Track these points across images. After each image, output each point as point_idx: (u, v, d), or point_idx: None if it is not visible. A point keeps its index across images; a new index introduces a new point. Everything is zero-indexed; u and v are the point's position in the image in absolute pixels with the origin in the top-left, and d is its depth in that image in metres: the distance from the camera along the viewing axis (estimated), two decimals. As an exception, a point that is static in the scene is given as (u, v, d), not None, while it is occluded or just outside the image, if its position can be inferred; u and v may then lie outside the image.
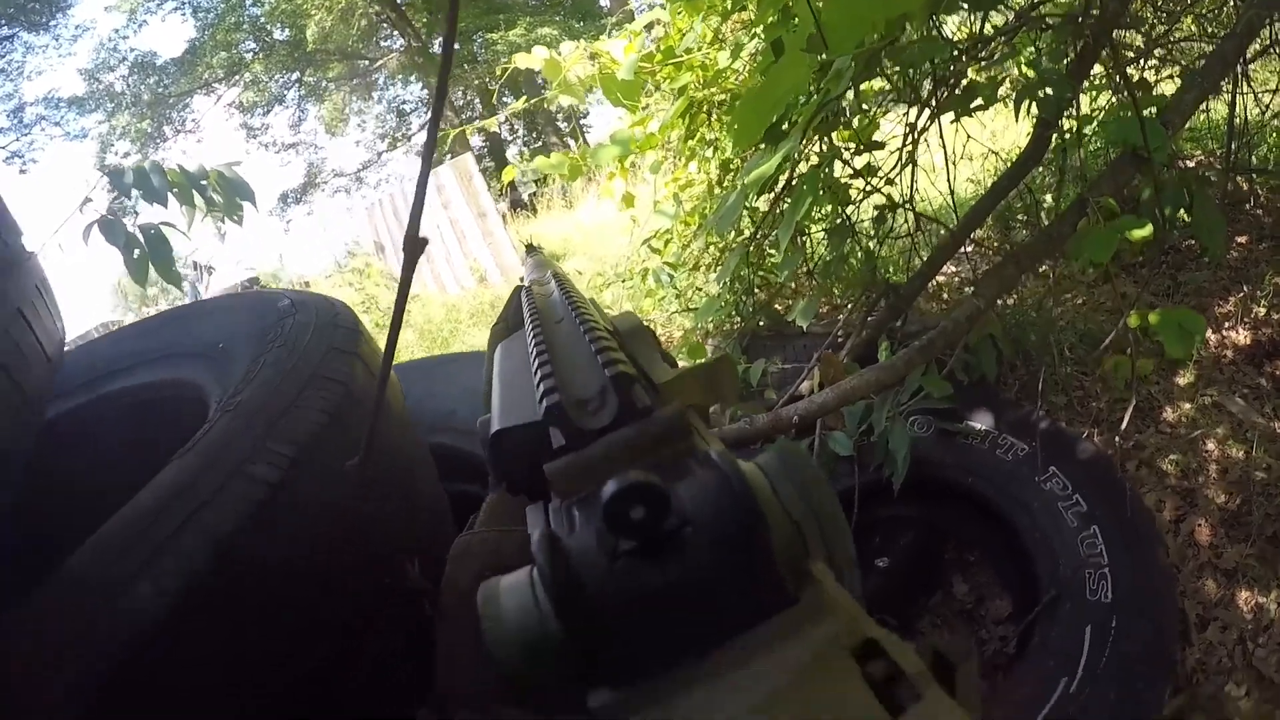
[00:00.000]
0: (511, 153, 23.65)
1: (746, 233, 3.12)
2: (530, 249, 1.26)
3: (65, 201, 2.11)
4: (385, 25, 21.76)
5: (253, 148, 23.43)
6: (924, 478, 2.29)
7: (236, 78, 21.74)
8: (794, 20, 1.79)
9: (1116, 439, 2.70)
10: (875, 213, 2.59)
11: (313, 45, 20.06)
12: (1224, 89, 4.13)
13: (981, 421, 2.32)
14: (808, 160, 2.46)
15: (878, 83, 2.51)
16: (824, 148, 2.37)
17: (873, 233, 2.73)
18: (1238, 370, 3.19)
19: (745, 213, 3.00)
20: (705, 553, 0.34)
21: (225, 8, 20.96)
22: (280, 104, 23.15)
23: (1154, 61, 4.21)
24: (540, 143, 21.53)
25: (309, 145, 24.19)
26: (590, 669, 0.33)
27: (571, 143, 19.60)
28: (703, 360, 0.63)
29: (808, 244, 2.95)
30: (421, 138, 24.25)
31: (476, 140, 21.23)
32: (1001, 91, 2.31)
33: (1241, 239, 4.11)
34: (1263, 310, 3.42)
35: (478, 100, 22.62)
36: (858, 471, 2.32)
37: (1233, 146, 4.20)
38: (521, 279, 1.01)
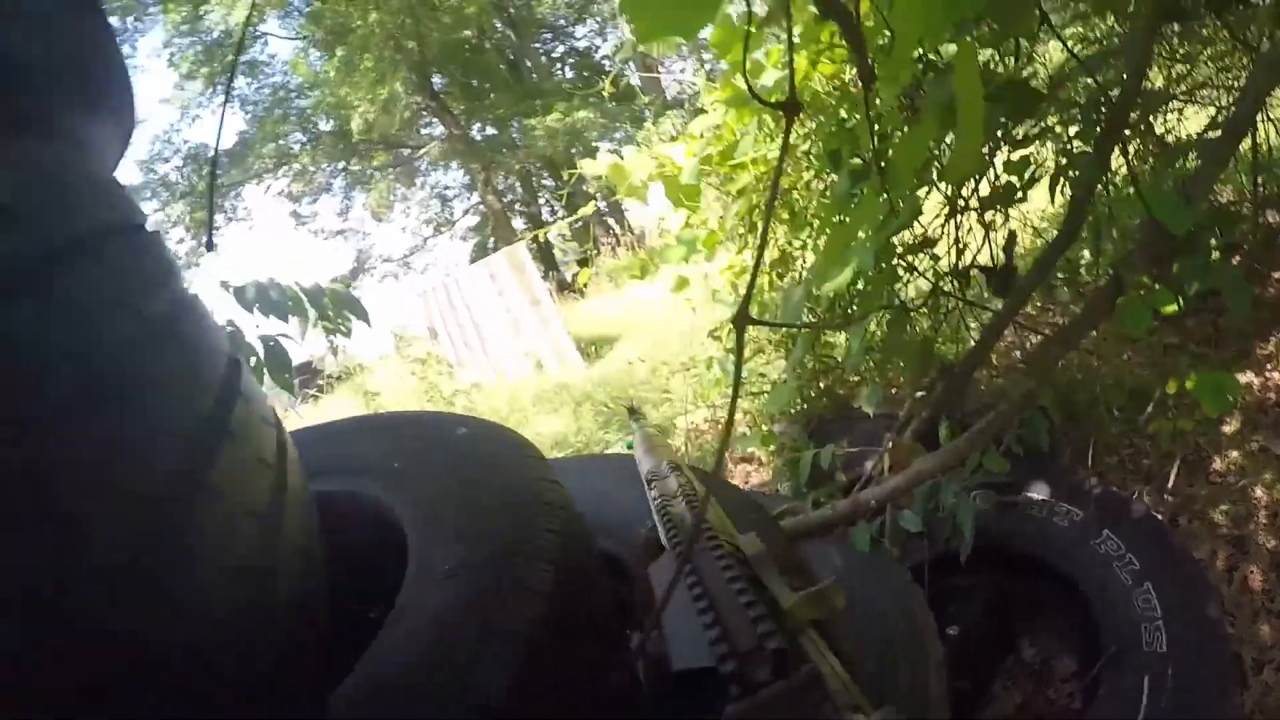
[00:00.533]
0: (553, 234, 23.89)
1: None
2: (633, 413, 1.32)
3: None
4: (426, 114, 22.31)
5: (301, 234, 23.97)
6: (989, 548, 2.48)
7: (285, 168, 22.37)
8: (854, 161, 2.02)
9: (1166, 495, 2.86)
10: (927, 298, 2.77)
11: (358, 136, 20.61)
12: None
13: (1038, 491, 2.51)
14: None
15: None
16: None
17: (927, 316, 2.92)
18: (1283, 414, 3.26)
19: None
20: None
21: (273, 101, 21.70)
22: (327, 192, 23.73)
23: (1175, 105, 4.33)
24: (581, 224, 21.78)
25: (356, 232, 24.70)
26: None
27: (613, 222, 19.87)
28: (820, 586, 0.73)
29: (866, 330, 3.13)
30: (465, 222, 24.68)
31: (519, 223, 21.65)
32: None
33: (1278, 275, 4.19)
34: (1305, 350, 3.47)
35: (518, 184, 23.10)
36: (928, 546, 2.52)
37: (1259, 181, 4.30)
38: (639, 464, 1.10)
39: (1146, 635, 2.11)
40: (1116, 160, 4.41)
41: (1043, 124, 2.66)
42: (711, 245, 3.24)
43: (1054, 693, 2.51)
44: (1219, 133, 2.22)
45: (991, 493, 2.53)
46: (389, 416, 1.99)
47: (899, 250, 2.57)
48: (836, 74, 2.73)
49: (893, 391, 3.43)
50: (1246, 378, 3.48)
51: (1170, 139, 3.97)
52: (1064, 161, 2.35)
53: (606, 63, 21.55)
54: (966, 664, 2.51)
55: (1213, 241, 2.03)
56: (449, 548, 1.21)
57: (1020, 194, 2.38)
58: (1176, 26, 4.11)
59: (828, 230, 2.33)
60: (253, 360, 2.26)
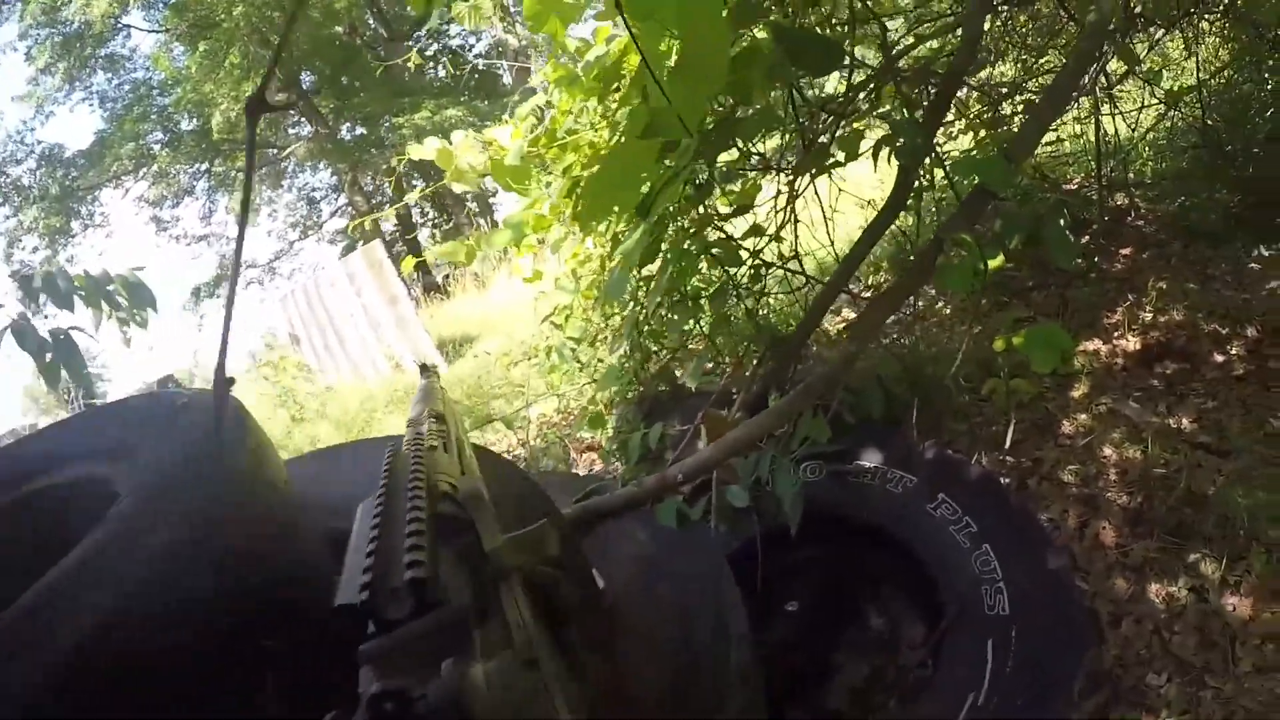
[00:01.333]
0: (424, 235, 23.65)
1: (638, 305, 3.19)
2: (424, 370, 1.35)
3: None
4: (293, 112, 21.73)
5: (163, 241, 23.23)
6: (823, 519, 2.35)
7: (145, 170, 21.51)
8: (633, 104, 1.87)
9: (1008, 458, 2.80)
10: (751, 274, 2.68)
11: (219, 135, 19.95)
12: (1083, 113, 4.37)
13: (870, 459, 2.39)
14: (682, 230, 2.55)
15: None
16: (694, 217, 2.45)
17: (754, 291, 2.81)
18: (1130, 375, 3.30)
19: (636, 282, 3.08)
20: None
21: (133, 98, 20.81)
22: (190, 195, 22.97)
23: (1025, 95, 4.42)
24: (451, 223, 21.59)
25: (220, 237, 23.91)
26: None
27: (483, 222, 19.69)
28: (528, 529, 0.76)
29: (697, 307, 3.04)
30: (333, 224, 24.17)
31: (388, 225, 21.25)
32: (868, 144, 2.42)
33: (1125, 251, 4.29)
34: (1149, 315, 3.56)
35: (387, 184, 22.66)
36: (757, 521, 2.38)
37: (1107, 166, 4.46)
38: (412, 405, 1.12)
39: (988, 598, 2.02)
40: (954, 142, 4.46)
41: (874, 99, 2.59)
42: (541, 228, 3.09)
43: (903, 660, 2.41)
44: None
45: (821, 464, 2.41)
46: (119, 403, 2.00)
47: (715, 219, 2.47)
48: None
49: (727, 368, 3.32)
50: (1094, 345, 3.54)
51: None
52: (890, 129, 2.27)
53: (480, 61, 21.30)
54: (806, 639, 2.47)
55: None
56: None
57: (836, 161, 2.30)
58: (1021, 16, 4.21)
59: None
60: (48, 357, 2.12)
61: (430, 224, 24.20)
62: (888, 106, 2.54)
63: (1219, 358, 3.23)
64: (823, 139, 2.44)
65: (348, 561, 0.67)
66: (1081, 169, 5.39)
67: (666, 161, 1.84)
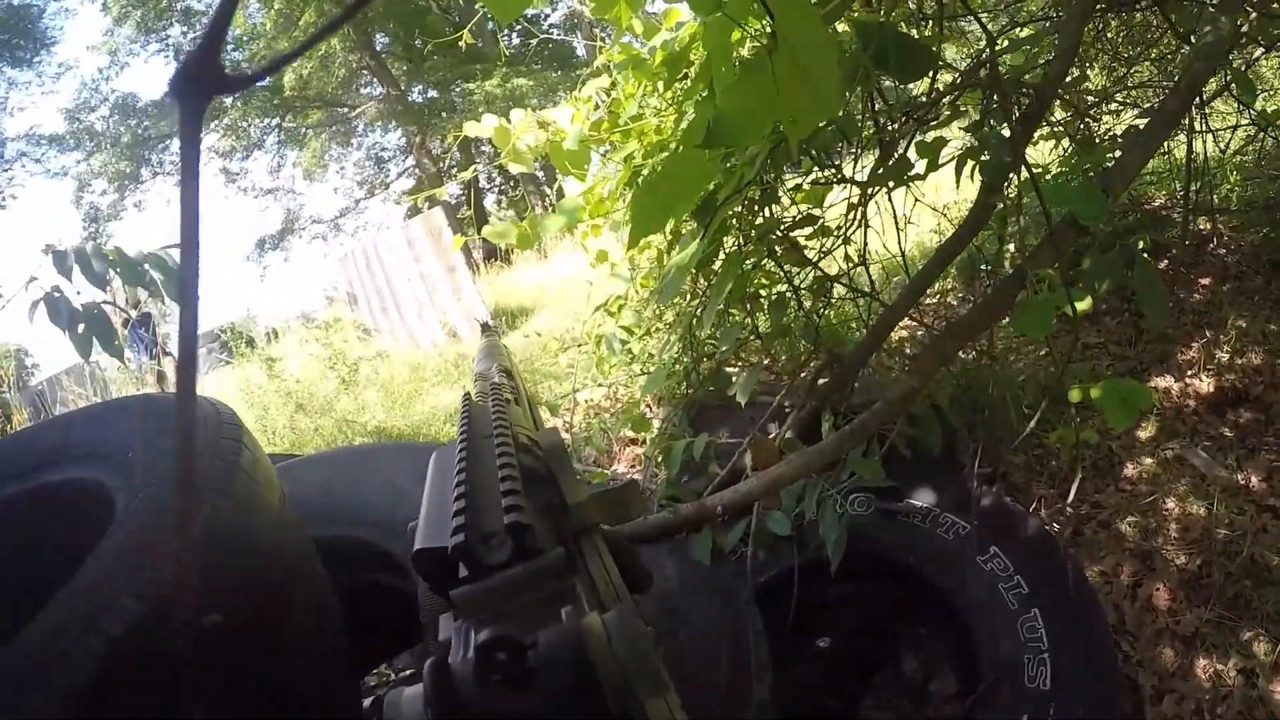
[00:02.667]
0: (489, 200, 23.72)
1: (693, 302, 3.09)
2: (485, 329, 1.38)
3: (42, 243, 2.21)
4: (365, 72, 21.83)
5: (231, 192, 23.50)
6: (866, 556, 2.24)
7: (216, 122, 21.77)
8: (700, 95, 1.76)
9: (1068, 508, 2.67)
10: (815, 285, 2.56)
11: (291, 91, 20.11)
12: (1178, 132, 4.18)
13: (923, 499, 2.28)
14: (745, 236, 2.44)
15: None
16: (758, 224, 2.35)
17: (816, 302, 2.70)
18: (1200, 420, 3.16)
19: (693, 282, 2.98)
20: (553, 688, 0.45)
21: (206, 51, 21.09)
22: (259, 149, 23.25)
23: (1114, 106, 4.24)
24: (518, 192, 21.60)
25: (287, 191, 24.22)
26: None
27: (549, 192, 19.70)
28: (613, 484, 0.73)
29: (755, 314, 2.93)
30: (400, 184, 24.28)
31: (454, 188, 21.33)
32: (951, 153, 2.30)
33: (1205, 281, 4.11)
34: (1225, 356, 3.41)
35: (456, 150, 22.75)
36: (797, 551, 2.28)
37: (1192, 188, 4.23)
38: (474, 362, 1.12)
39: (1030, 669, 1.90)
40: (1034, 150, 4.28)
41: (958, 105, 2.45)
42: (599, 214, 2.99)
43: (933, 711, 2.33)
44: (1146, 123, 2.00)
45: (871, 498, 2.29)
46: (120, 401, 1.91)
47: (781, 229, 2.35)
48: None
49: (785, 378, 3.20)
50: (1165, 382, 3.42)
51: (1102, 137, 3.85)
52: (973, 144, 2.14)
53: (555, 31, 21.22)
54: (835, 677, 2.40)
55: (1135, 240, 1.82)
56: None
57: (915, 173, 2.18)
58: (1114, 22, 4.02)
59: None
60: (80, 328, 2.20)
61: (497, 190, 24.27)
62: (973, 114, 2.40)
63: (1296, 410, 3.07)
64: (901, 147, 2.30)
65: (425, 508, 0.68)
66: (1164, 188, 5.19)
67: (728, 166, 1.75)
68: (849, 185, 2.50)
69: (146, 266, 2.29)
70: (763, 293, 2.80)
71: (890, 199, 2.72)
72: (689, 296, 3.15)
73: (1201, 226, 4.61)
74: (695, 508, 2.01)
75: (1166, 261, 4.33)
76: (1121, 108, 4.36)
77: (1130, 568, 2.56)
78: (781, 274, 2.57)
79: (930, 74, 2.30)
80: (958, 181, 2.21)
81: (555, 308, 7.99)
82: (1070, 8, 2.42)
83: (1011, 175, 2.14)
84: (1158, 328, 1.79)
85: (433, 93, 21.94)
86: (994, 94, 2.16)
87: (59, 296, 2.16)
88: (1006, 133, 2.00)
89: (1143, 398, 1.72)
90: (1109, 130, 4.36)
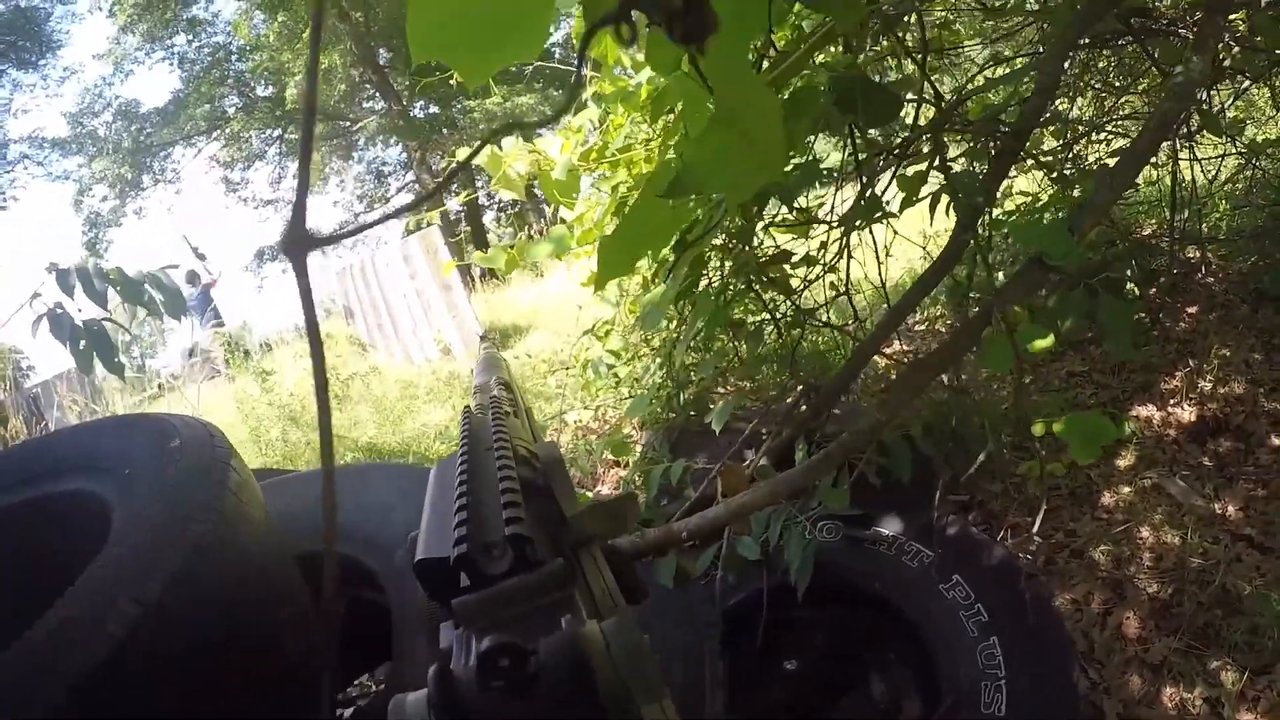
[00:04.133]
0: (489, 217, 23.76)
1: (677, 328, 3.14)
2: (483, 338, 1.41)
3: (41, 246, 2.27)
4: (368, 86, 21.88)
5: (232, 202, 23.55)
6: (833, 582, 2.30)
7: (218, 131, 21.88)
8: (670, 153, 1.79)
9: (1036, 538, 2.71)
10: (792, 316, 2.61)
11: (292, 104, 20.17)
12: (1162, 163, 4.22)
13: (891, 527, 2.32)
14: (723, 269, 2.49)
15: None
16: (736, 256, 2.39)
17: (791, 333, 2.75)
18: (1180, 449, 3.20)
19: (675, 310, 3.03)
20: (553, 694, 0.47)
21: (211, 61, 21.20)
22: (261, 160, 23.25)
23: (1104, 135, 4.28)
24: (517, 208, 21.65)
25: (288, 203, 24.20)
26: None
27: (547, 209, 19.75)
28: (610, 496, 0.74)
29: (738, 342, 2.97)
30: (400, 199, 24.32)
31: (454, 204, 21.37)
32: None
33: (1191, 309, 4.15)
34: (1209, 385, 3.44)
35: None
36: (766, 575, 2.32)
37: (1180, 217, 4.32)
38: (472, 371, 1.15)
39: (986, 694, 1.94)
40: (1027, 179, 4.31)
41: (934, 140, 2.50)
42: (587, 241, 3.04)
43: None
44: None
45: (840, 525, 2.34)
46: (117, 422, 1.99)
47: (758, 263, 2.40)
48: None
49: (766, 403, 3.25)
50: (1147, 411, 3.43)
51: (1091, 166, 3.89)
52: (947, 181, 2.17)
53: (557, 50, 21.28)
54: (801, 700, 2.44)
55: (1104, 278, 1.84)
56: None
57: (886, 213, 2.24)
58: (1105, 53, 4.06)
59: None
60: (82, 344, 2.26)
61: (495, 206, 24.29)
62: (953, 151, 2.44)
63: (1276, 440, 3.10)
64: (879, 184, 2.35)
65: (426, 519, 0.70)
66: (1155, 215, 5.23)
67: (692, 207, 1.78)
68: (825, 224, 2.55)
69: (146, 286, 2.34)
70: (747, 319, 2.85)
71: (872, 233, 2.77)
72: (674, 323, 3.20)
73: (1190, 255, 4.65)
74: (663, 532, 2.05)
75: (1154, 290, 4.37)
76: (1111, 137, 4.40)
77: (1102, 596, 2.59)
78: (762, 304, 2.61)
79: (905, 111, 2.35)
80: (931, 218, 2.26)
81: (548, 327, 8.01)
82: (1051, 45, 2.47)
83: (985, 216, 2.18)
84: (1123, 357, 1.82)
85: (434, 108, 21.97)
86: (967, 135, 2.22)
87: (61, 313, 2.22)
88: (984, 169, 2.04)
89: (1107, 433, 1.76)
90: (1099, 160, 4.40)
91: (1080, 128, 4.18)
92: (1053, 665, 1.97)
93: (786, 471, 2.11)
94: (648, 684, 0.49)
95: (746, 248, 2.44)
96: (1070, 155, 3.94)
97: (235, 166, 22.98)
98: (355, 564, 1.89)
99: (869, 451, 2.34)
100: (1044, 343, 1.80)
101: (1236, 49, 3.35)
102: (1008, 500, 3.05)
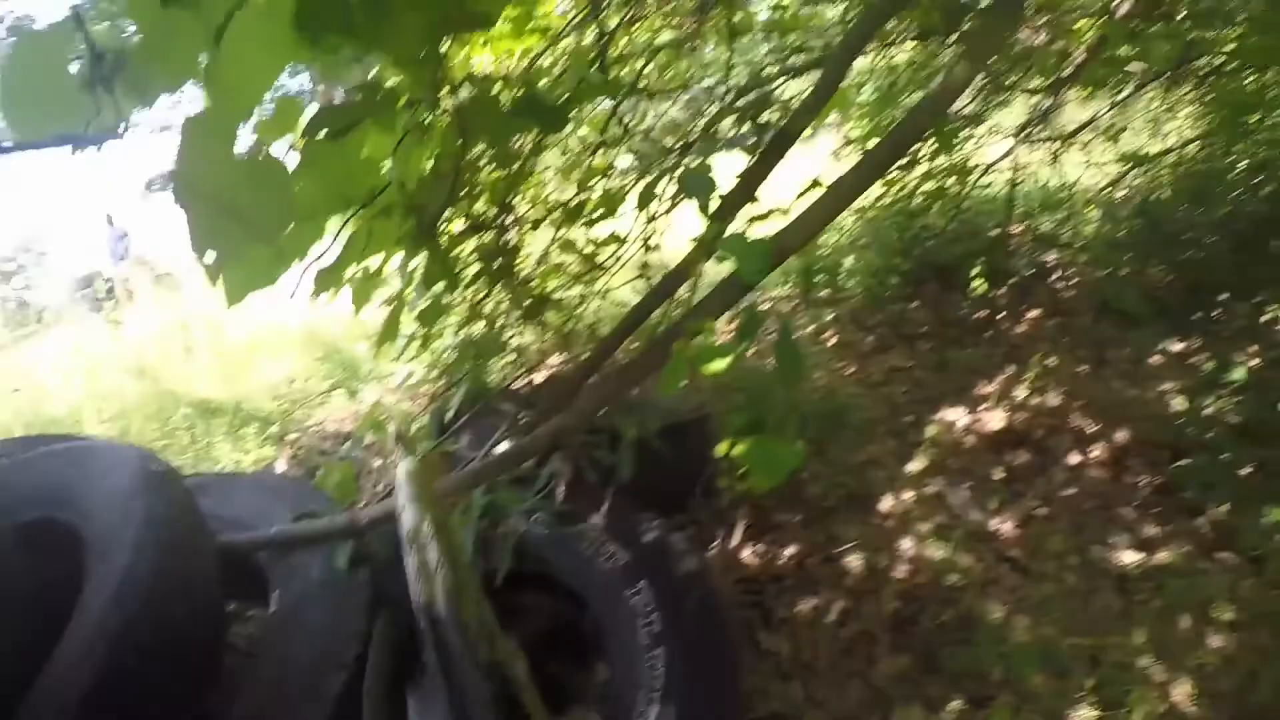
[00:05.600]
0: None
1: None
2: (399, 439, 1.90)
3: None
4: None
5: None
6: (541, 574, 2.29)
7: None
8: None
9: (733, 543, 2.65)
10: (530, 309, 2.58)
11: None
12: (1008, 168, 4.20)
13: (598, 526, 2.28)
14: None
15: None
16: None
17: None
18: (975, 458, 3.14)
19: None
20: None
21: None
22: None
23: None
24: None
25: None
26: None
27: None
28: None
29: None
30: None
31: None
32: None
33: (1033, 313, 4.14)
34: (1024, 393, 3.41)
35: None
36: (481, 561, 2.28)
37: (1046, 220, 4.36)
38: None
39: (640, 704, 1.91)
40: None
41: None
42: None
43: None
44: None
45: (554, 519, 2.30)
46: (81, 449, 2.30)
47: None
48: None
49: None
50: (954, 414, 3.36)
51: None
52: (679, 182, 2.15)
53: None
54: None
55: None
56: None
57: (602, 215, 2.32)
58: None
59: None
60: None
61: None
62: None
63: (1074, 458, 3.08)
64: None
65: None
66: (1034, 216, 5.17)
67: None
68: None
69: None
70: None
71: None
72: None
73: (1049, 259, 4.61)
74: (347, 517, 2.02)
75: (1005, 289, 4.32)
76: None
77: (840, 605, 2.52)
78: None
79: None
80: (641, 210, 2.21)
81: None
82: (838, 45, 2.41)
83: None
84: (790, 381, 1.76)
85: None
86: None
87: None
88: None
89: (791, 459, 1.70)
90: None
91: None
92: (714, 682, 1.94)
93: (469, 467, 2.07)
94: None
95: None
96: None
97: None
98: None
99: (601, 450, 2.31)
100: (720, 364, 1.74)
101: (1083, 60, 3.32)
102: (782, 500, 2.95)
